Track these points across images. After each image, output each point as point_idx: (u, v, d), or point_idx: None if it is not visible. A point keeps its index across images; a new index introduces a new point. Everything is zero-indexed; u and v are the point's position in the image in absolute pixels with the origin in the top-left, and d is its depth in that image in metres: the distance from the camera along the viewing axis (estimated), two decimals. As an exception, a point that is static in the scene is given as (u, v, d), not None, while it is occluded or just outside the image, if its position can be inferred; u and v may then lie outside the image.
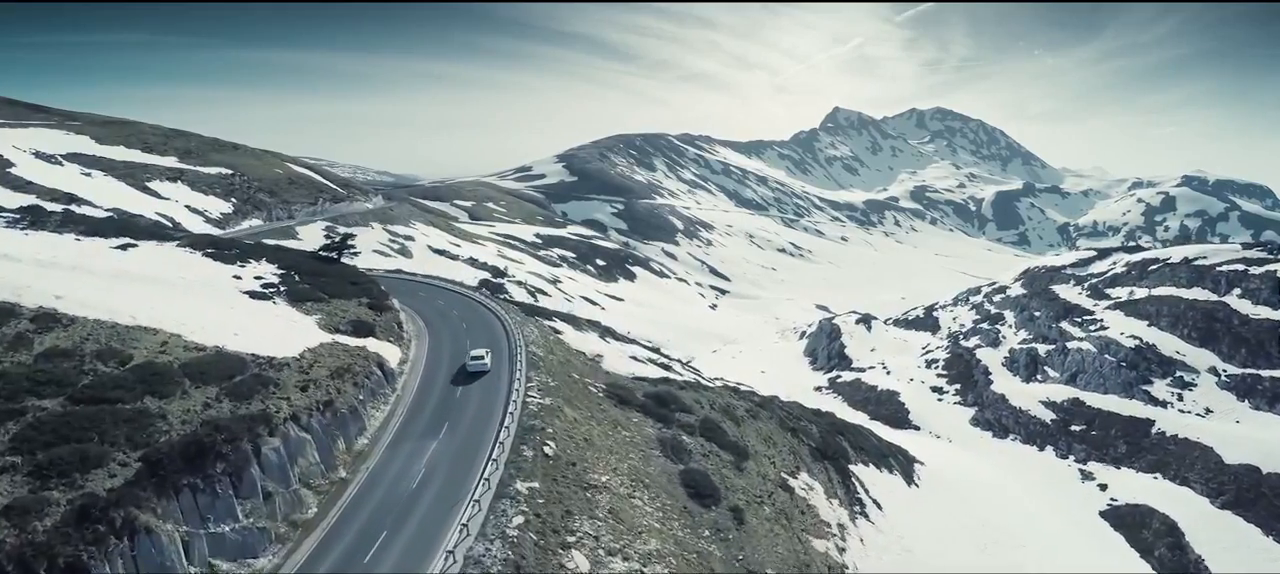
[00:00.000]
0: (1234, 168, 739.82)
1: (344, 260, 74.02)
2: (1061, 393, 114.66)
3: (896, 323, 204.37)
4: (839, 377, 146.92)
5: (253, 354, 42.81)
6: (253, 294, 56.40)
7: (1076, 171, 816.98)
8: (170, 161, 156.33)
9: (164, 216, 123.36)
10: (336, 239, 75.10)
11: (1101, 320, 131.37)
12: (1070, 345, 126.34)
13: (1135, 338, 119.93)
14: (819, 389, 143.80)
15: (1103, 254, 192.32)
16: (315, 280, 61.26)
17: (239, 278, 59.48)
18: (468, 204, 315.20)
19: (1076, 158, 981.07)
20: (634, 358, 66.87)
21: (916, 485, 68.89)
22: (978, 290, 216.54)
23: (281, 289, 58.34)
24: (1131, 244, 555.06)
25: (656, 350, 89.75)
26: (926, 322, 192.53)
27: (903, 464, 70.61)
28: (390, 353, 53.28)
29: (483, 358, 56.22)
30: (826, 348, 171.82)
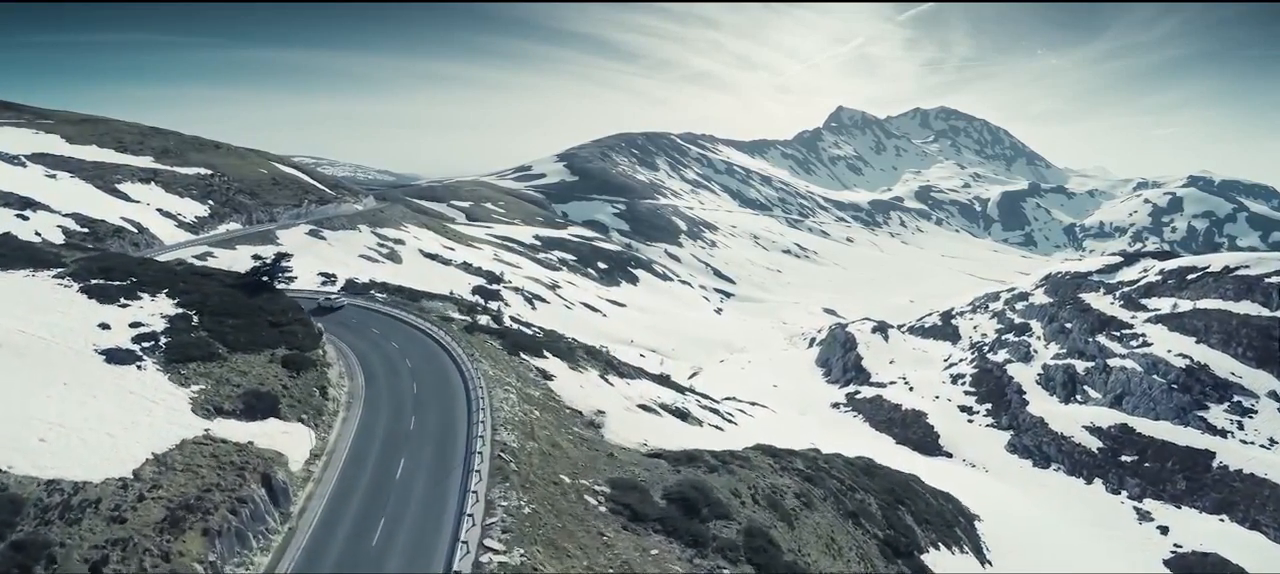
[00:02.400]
0: (1236, 168, 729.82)
1: (278, 286, 59.69)
2: (1107, 417, 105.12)
3: (912, 330, 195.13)
4: (857, 392, 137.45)
5: (48, 482, 28.25)
6: (112, 355, 41.37)
7: (1080, 172, 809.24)
8: (145, 162, 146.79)
9: (129, 222, 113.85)
10: (269, 260, 59.61)
11: (1143, 335, 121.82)
12: (1112, 363, 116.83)
13: (1185, 357, 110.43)
14: (836, 405, 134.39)
15: (1129, 259, 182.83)
16: (221, 323, 47.82)
17: (107, 327, 44.79)
18: (465, 204, 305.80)
19: (1078, 158, 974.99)
20: (645, 408, 55.92)
21: (988, 563, 59.57)
22: (996, 296, 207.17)
23: (161, 343, 43.79)
24: (1137, 248, 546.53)
25: (666, 379, 79.68)
26: (945, 330, 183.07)
27: (968, 531, 61.28)
28: (296, 444, 38.62)
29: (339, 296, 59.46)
30: (841, 359, 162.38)
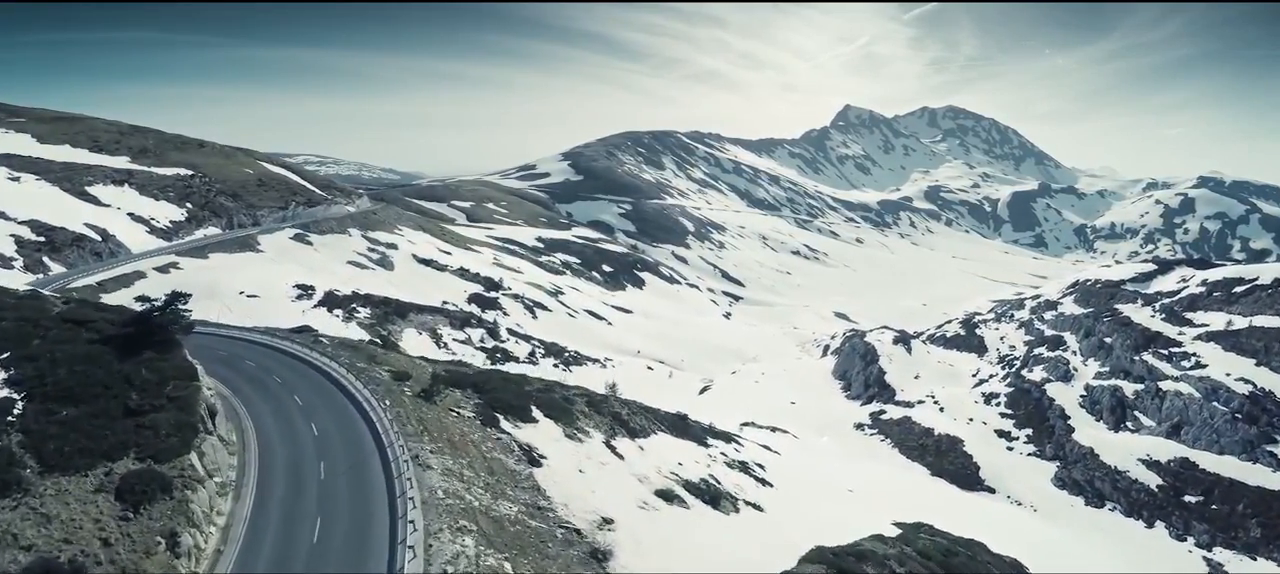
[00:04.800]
0: (1243, 169, 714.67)
1: (176, 336, 42.08)
2: (1165, 449, 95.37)
3: (933, 339, 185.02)
4: (883, 412, 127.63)
5: None
6: None
7: (1088, 171, 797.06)
8: (121, 162, 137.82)
9: (93, 228, 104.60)
10: (158, 302, 43.05)
11: (1196, 355, 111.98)
12: (1164, 386, 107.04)
13: (1247, 382, 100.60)
14: (860, 426, 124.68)
15: (1163, 267, 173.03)
16: (50, 416, 32.43)
17: None
18: (466, 205, 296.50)
19: (1083, 157, 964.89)
20: (666, 496, 42.77)
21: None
22: (1020, 303, 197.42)
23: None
24: (1150, 251, 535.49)
25: (684, 422, 69.44)
26: (970, 341, 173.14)
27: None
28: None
29: None
30: (862, 373, 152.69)
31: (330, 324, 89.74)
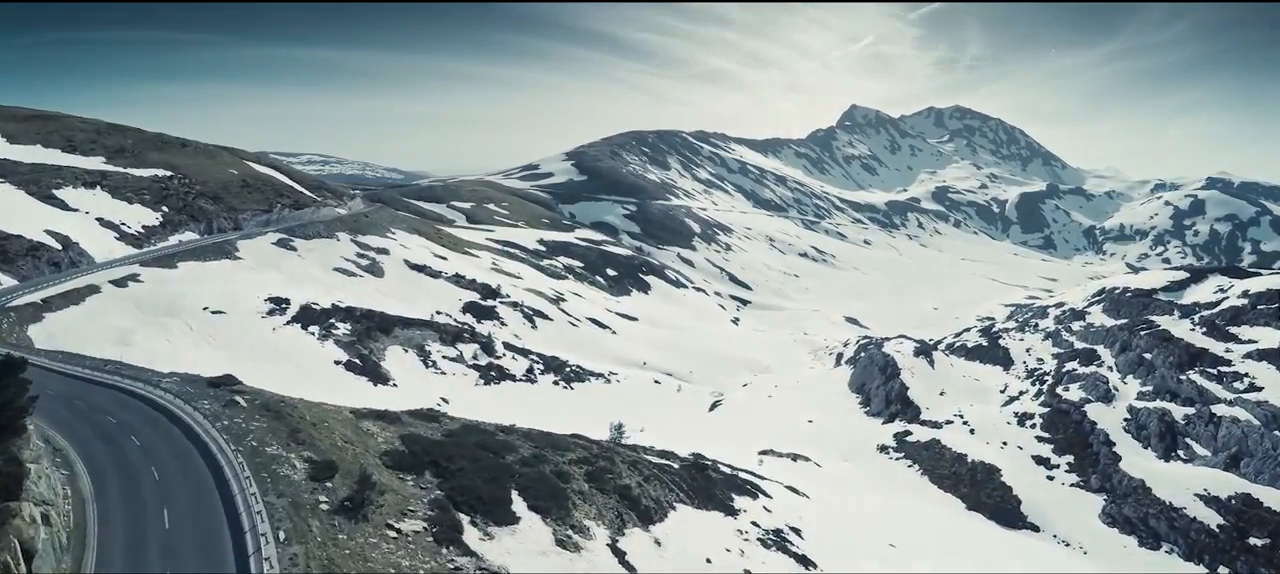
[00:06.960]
0: (1251, 170, 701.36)
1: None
2: (1225, 484, 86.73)
3: (952, 349, 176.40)
4: (908, 433, 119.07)
5: None
6: None
7: (1095, 172, 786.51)
8: (95, 163, 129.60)
9: (55, 236, 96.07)
10: None
11: (1250, 376, 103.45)
12: (1218, 411, 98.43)
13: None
14: (884, 449, 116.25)
15: (1195, 275, 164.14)
16: None
17: None
18: (466, 206, 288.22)
19: (1089, 158, 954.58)
20: None
21: None
22: (1043, 312, 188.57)
23: None
24: (1161, 252, 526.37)
25: (703, 476, 60.45)
26: (993, 352, 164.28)
27: None
28: None
29: None
30: (883, 388, 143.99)
31: (305, 343, 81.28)
